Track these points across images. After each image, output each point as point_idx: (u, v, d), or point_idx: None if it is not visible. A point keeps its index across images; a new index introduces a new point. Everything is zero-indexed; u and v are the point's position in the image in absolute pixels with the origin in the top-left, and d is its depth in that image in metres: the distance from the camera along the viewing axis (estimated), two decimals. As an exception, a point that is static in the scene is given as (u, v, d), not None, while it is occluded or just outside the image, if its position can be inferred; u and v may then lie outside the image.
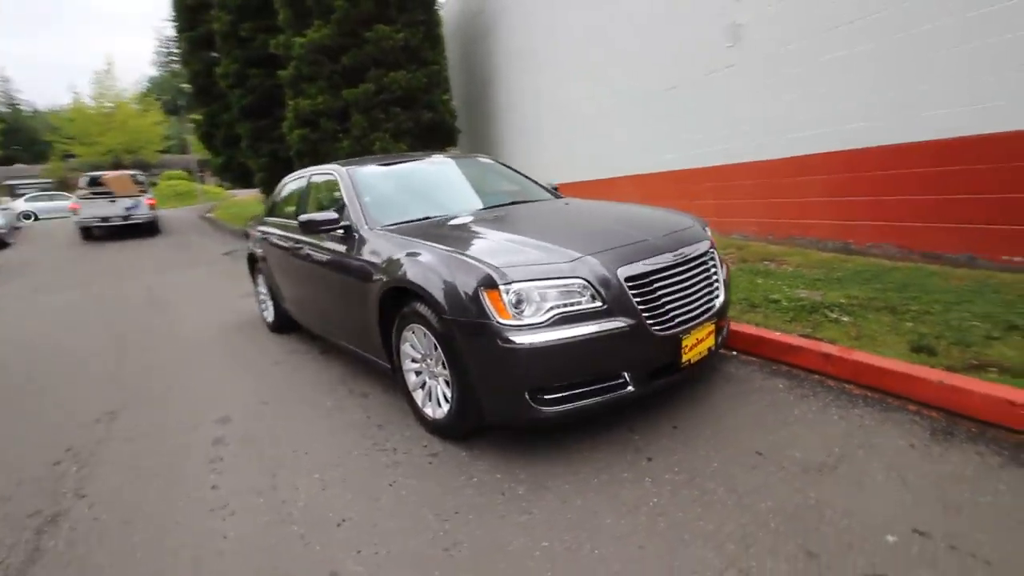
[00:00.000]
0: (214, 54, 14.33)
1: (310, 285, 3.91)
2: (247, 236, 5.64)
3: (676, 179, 6.71)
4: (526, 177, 4.37)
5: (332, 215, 3.40)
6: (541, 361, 2.31)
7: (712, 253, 2.95)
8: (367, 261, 3.09)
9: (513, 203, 3.80)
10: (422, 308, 2.64)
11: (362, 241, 3.23)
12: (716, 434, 2.57)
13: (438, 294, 2.49)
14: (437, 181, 4.08)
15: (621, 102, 7.49)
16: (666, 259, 2.61)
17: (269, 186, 14.47)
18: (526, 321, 2.32)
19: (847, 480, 2.15)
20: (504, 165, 4.53)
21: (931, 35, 4.14)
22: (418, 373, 2.92)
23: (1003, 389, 2.42)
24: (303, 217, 3.39)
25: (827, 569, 1.74)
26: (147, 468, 2.80)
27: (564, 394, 2.38)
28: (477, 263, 2.46)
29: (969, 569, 1.68)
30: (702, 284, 2.77)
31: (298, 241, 3.98)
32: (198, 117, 17.19)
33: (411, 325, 2.79)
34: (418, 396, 2.93)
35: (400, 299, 2.84)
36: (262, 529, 2.23)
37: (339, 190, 3.69)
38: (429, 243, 2.79)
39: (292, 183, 4.72)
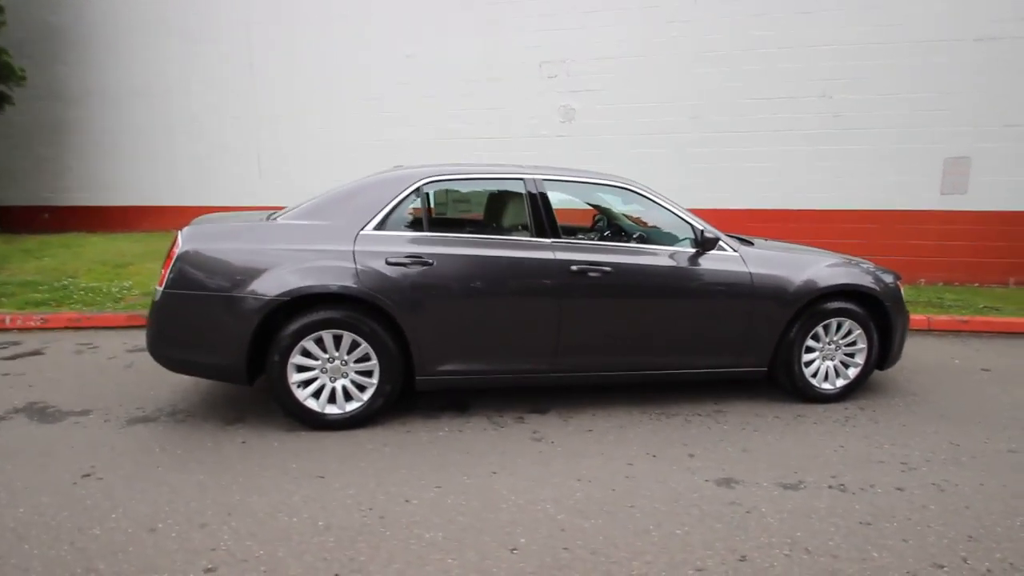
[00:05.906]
0: None
1: (622, 310, 3.54)
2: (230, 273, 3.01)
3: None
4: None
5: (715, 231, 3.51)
6: (906, 317, 3.96)
7: None
8: (766, 274, 3.52)
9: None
10: (846, 304, 3.60)
11: (745, 255, 3.52)
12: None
13: (878, 290, 3.68)
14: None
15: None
16: None
17: None
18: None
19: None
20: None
21: (677, 154, 7.51)
22: (810, 363, 3.67)
23: None
24: (715, 233, 3.49)
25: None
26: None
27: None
28: (882, 267, 3.84)
29: None
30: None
31: (598, 261, 3.44)
32: None
33: (826, 321, 3.61)
34: (814, 380, 3.67)
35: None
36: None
37: (636, 204, 3.94)
38: (815, 256, 3.85)
39: (477, 182, 3.77)
